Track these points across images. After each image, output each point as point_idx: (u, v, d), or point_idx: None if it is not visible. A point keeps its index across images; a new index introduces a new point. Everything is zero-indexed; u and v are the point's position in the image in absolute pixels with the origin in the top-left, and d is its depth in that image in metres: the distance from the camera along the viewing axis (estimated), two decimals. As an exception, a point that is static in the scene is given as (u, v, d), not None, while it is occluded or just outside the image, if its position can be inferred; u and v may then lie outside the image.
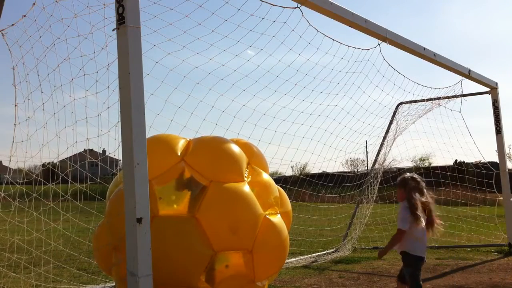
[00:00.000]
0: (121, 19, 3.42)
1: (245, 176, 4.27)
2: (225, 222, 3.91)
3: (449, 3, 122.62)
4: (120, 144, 4.33)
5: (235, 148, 4.32)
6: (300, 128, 6.80)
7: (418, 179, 4.74)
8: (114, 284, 6.26)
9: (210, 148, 4.33)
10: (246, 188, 4.10)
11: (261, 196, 4.23)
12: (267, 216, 4.24)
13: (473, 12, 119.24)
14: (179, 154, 4.18)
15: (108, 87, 4.60)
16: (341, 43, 6.37)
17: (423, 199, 4.61)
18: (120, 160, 4.93)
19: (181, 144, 4.30)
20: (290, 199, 5.01)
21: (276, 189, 4.62)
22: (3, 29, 5.77)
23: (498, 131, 9.49)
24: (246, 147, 4.58)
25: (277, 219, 4.38)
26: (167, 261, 3.72)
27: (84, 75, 5.10)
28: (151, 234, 3.63)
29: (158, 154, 4.12)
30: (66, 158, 6.26)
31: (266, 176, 4.51)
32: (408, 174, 4.77)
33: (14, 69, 5.85)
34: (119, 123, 3.61)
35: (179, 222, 3.89)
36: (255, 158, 4.55)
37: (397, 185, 4.73)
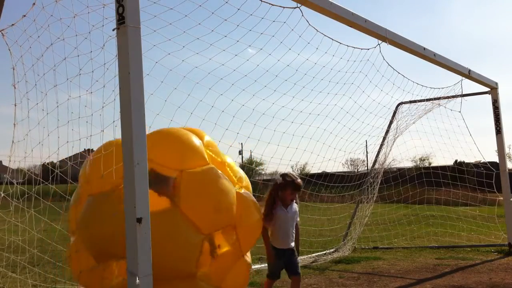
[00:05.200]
0: (121, 19, 3.42)
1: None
2: (208, 204, 4.03)
3: (450, 3, 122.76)
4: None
5: (191, 135, 4.41)
6: (300, 128, 6.80)
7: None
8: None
9: (168, 140, 4.37)
10: (214, 169, 4.22)
11: (226, 175, 4.39)
12: (238, 191, 4.41)
13: (473, 12, 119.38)
14: None
15: (104, 86, 4.60)
16: (340, 43, 6.38)
17: None
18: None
19: None
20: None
21: (239, 169, 4.77)
22: (3, 29, 5.77)
23: (498, 131, 9.49)
24: (197, 132, 4.64)
25: (245, 191, 4.56)
26: (162, 256, 3.75)
27: (80, 74, 5.10)
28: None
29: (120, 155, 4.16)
30: (66, 158, 6.25)
31: (227, 158, 4.65)
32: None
33: (13, 69, 5.85)
34: (115, 122, 3.61)
35: (165, 216, 3.93)
36: (207, 142, 4.63)
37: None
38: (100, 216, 3.97)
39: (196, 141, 4.35)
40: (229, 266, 4.28)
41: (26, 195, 6.01)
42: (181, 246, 3.86)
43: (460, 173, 11.05)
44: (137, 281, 3.16)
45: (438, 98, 9.33)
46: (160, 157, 4.12)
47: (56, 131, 5.43)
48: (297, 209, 5.01)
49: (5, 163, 6.82)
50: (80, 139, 5.11)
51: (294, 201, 4.95)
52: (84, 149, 5.77)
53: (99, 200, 4.06)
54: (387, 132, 9.99)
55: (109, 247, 3.88)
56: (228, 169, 4.55)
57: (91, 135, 4.89)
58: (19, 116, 5.85)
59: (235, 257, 4.31)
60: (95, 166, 4.23)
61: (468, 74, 8.73)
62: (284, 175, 4.85)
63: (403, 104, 9.86)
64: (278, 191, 4.84)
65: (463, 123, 9.40)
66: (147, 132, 3.50)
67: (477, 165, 11.89)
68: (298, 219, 5.06)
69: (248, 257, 4.62)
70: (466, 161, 13.87)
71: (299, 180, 4.85)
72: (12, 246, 6.15)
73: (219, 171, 4.26)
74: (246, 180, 4.79)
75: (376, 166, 10.26)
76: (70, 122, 5.17)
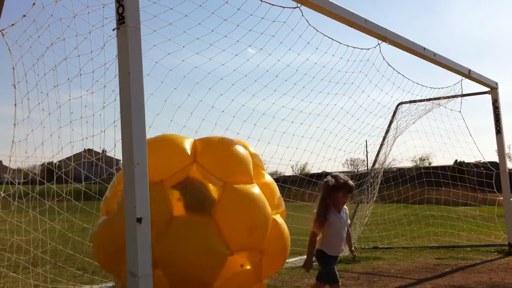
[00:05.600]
0: (121, 19, 3.42)
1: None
2: (242, 223, 3.98)
3: (450, 3, 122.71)
4: (117, 143, 4.35)
5: (242, 150, 4.35)
6: (300, 128, 6.80)
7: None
8: (112, 284, 6.26)
9: (220, 150, 4.34)
10: (257, 189, 4.16)
11: (267, 198, 4.30)
12: (273, 217, 4.32)
13: (473, 12, 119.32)
14: (189, 154, 4.18)
15: (105, 86, 4.61)
16: (340, 43, 6.38)
17: None
18: (119, 160, 4.93)
19: (189, 145, 4.29)
20: (290, 198, 5.06)
21: (278, 190, 4.67)
22: (3, 29, 5.77)
23: (498, 131, 9.49)
24: (247, 148, 4.59)
25: (280, 219, 4.47)
26: (185, 261, 3.76)
27: (81, 74, 5.12)
28: (170, 235, 3.70)
29: (169, 154, 4.14)
30: (66, 158, 6.25)
31: (268, 178, 4.58)
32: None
33: (14, 69, 5.86)
34: (115, 122, 3.61)
35: (198, 223, 3.91)
36: (255, 158, 4.57)
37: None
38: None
39: (245, 156, 4.29)
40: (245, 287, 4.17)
41: (30, 195, 6.00)
42: (207, 255, 3.82)
43: (460, 173, 11.05)
44: (137, 281, 3.16)
45: (438, 98, 9.32)
46: (208, 164, 4.10)
47: (57, 131, 5.45)
48: (347, 212, 4.64)
49: (5, 163, 6.82)
50: (82, 139, 5.13)
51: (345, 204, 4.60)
52: (84, 149, 5.78)
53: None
54: (387, 132, 9.99)
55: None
56: (269, 191, 4.46)
57: (93, 136, 4.91)
58: (19, 116, 5.86)
59: (253, 280, 4.19)
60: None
61: (468, 74, 8.73)
62: (336, 177, 4.48)
63: (403, 104, 9.87)
64: (330, 193, 4.44)
65: (463, 123, 9.41)
66: (148, 136, 3.50)
67: (477, 165, 11.88)
68: (349, 221, 4.74)
69: (265, 283, 4.49)
70: (466, 161, 13.87)
71: (351, 182, 4.52)
72: (14, 246, 6.14)
73: (260, 192, 4.17)
74: (283, 205, 4.69)
75: (376, 166, 10.26)
76: (71, 122, 5.18)
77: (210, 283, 3.87)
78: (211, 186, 4.10)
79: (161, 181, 3.93)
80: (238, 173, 4.17)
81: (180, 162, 4.11)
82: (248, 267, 4.14)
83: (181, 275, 3.74)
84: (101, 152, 6.27)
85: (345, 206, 4.60)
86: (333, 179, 4.44)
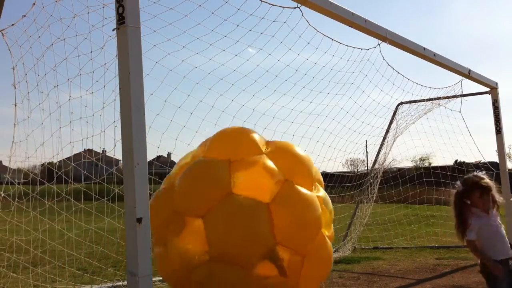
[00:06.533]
0: (121, 19, 3.42)
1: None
2: (293, 219, 3.98)
3: (450, 3, 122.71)
4: (117, 143, 4.36)
5: (309, 159, 4.51)
6: (300, 128, 6.80)
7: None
8: (112, 284, 6.26)
9: (290, 153, 4.45)
10: (315, 197, 4.21)
11: (323, 210, 4.34)
12: (322, 230, 4.33)
13: (473, 12, 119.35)
14: (260, 147, 4.30)
15: (105, 86, 4.61)
16: (340, 43, 6.37)
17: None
18: (120, 160, 4.93)
19: (262, 141, 4.42)
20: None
21: (331, 205, 4.66)
22: (3, 29, 5.77)
23: (498, 131, 9.48)
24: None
25: (328, 238, 4.45)
26: (229, 237, 3.79)
27: (81, 74, 5.12)
28: (221, 209, 3.78)
29: (240, 142, 4.29)
30: (66, 158, 6.25)
31: (322, 193, 4.56)
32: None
33: (14, 69, 5.86)
34: (115, 122, 3.61)
35: (252, 204, 3.93)
36: (317, 174, 4.66)
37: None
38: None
39: (310, 164, 4.46)
40: None
41: (30, 196, 6.00)
42: (252, 236, 3.83)
43: (460, 173, 11.02)
44: (137, 281, 3.16)
45: (438, 98, 9.32)
46: (275, 160, 4.18)
47: (57, 131, 5.45)
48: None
49: (5, 163, 6.82)
50: (82, 140, 5.13)
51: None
52: (84, 149, 5.79)
53: None
54: (387, 132, 9.99)
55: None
56: (323, 205, 4.46)
57: (93, 136, 4.91)
58: (19, 116, 5.86)
59: (289, 284, 4.09)
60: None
61: (468, 74, 8.72)
62: (464, 180, 4.19)
63: (403, 104, 9.86)
64: (463, 201, 4.14)
65: (463, 123, 9.41)
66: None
67: (477, 165, 11.87)
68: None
69: None
70: (466, 161, 13.84)
71: (485, 179, 4.13)
72: (14, 246, 6.14)
73: (316, 199, 4.24)
74: (332, 228, 4.70)
75: (376, 166, 10.26)
76: (70, 122, 5.19)
77: (248, 266, 3.85)
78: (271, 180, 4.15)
79: (228, 160, 4.04)
80: (300, 176, 4.25)
81: (249, 151, 4.22)
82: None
83: (222, 249, 3.77)
84: (101, 152, 6.28)
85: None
86: (460, 184, 4.15)
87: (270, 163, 4.16)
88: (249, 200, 3.95)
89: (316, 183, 4.55)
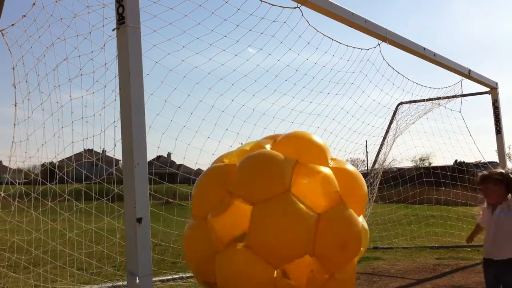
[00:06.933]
0: (121, 19, 3.42)
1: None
2: (338, 237, 3.89)
3: (450, 3, 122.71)
4: (117, 143, 4.36)
5: (366, 187, 4.39)
6: (300, 128, 6.80)
7: None
8: (112, 284, 6.26)
9: (351, 174, 4.33)
10: (363, 223, 4.11)
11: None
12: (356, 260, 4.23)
13: (473, 12, 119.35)
14: (329, 162, 4.24)
15: (105, 86, 4.62)
16: (340, 43, 6.38)
17: None
18: (119, 160, 4.94)
19: (329, 152, 4.32)
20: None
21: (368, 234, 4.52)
22: (3, 29, 5.78)
23: (498, 131, 9.49)
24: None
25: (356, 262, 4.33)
26: (272, 232, 3.70)
27: (81, 74, 5.12)
28: (277, 202, 3.70)
29: (311, 148, 4.22)
30: (66, 158, 6.26)
31: (366, 225, 4.39)
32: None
33: (14, 69, 5.86)
34: (115, 122, 3.61)
35: (305, 208, 3.84)
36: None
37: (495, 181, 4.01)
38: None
39: (365, 187, 4.35)
40: None
41: (32, 196, 6.01)
42: (292, 240, 3.71)
43: (460, 173, 11.04)
44: (137, 281, 3.16)
45: (438, 98, 9.33)
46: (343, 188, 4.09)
47: (58, 131, 5.45)
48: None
49: (5, 163, 6.83)
50: (83, 140, 5.13)
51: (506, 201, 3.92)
52: (84, 149, 5.79)
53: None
54: (387, 132, 9.99)
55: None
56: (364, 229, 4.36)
57: (93, 136, 4.91)
58: (20, 116, 5.86)
59: None
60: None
61: (468, 74, 8.73)
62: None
63: (403, 104, 9.86)
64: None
65: (463, 123, 9.40)
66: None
67: (477, 165, 11.88)
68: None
69: None
70: (466, 161, 13.85)
71: (480, 173, 4.12)
72: (15, 246, 6.15)
73: (363, 231, 4.14)
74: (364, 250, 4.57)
75: (376, 166, 10.26)
76: (72, 122, 5.19)
77: (276, 265, 3.73)
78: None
79: (295, 159, 3.96)
80: (354, 199, 4.16)
81: (318, 161, 4.16)
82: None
83: (261, 240, 3.67)
84: (101, 152, 6.28)
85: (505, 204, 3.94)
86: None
87: (333, 178, 4.11)
88: (303, 204, 3.95)
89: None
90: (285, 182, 3.87)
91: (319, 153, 4.24)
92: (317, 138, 4.46)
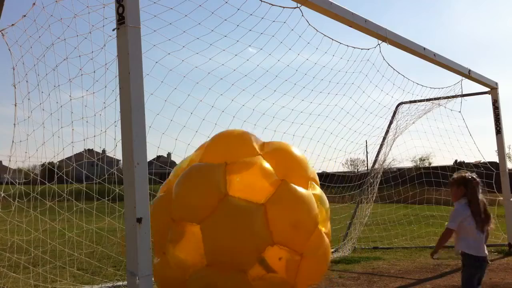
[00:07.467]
0: (121, 19, 3.42)
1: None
2: (289, 218, 4.02)
3: (450, 3, 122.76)
4: (117, 143, 4.36)
5: (305, 159, 4.55)
6: (300, 128, 6.80)
7: (478, 180, 4.55)
8: (112, 284, 6.26)
9: (285, 152, 4.48)
10: (311, 196, 4.24)
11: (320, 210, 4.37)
12: (319, 227, 4.34)
13: (473, 12, 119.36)
14: (256, 149, 4.35)
15: (105, 86, 4.61)
16: (340, 43, 6.38)
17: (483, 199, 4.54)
18: (119, 160, 4.94)
19: (257, 142, 4.47)
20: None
21: (327, 204, 4.71)
22: (3, 29, 5.77)
23: (498, 131, 9.49)
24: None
25: (326, 232, 4.48)
26: (226, 239, 3.81)
27: (82, 74, 5.12)
28: (218, 212, 3.80)
29: (236, 144, 4.35)
30: (66, 158, 6.26)
31: (318, 191, 4.60)
32: (468, 173, 4.58)
33: (14, 69, 5.86)
34: (115, 122, 3.61)
35: (248, 205, 3.96)
36: (313, 174, 4.69)
37: (454, 183, 4.60)
38: None
39: (306, 164, 4.53)
40: None
41: (31, 195, 6.00)
42: (249, 237, 3.86)
43: (460, 173, 11.01)
44: (137, 281, 3.16)
45: (438, 98, 9.32)
46: (271, 161, 4.23)
47: (58, 131, 5.45)
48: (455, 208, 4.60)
49: (5, 163, 6.82)
50: (84, 140, 5.13)
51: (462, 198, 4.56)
52: (85, 149, 5.79)
53: None
54: (387, 132, 9.98)
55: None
56: (319, 202, 4.51)
57: (94, 136, 4.91)
58: (20, 116, 5.86)
59: (287, 283, 4.11)
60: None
61: (468, 74, 8.73)
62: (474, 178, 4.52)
63: (403, 104, 9.86)
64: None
65: (463, 123, 9.41)
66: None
67: (477, 165, 11.88)
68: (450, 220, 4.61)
69: None
70: (466, 161, 13.85)
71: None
72: (15, 246, 6.14)
73: (312, 197, 4.28)
74: (329, 225, 4.74)
75: (376, 166, 10.25)
76: (72, 122, 5.19)
77: (245, 268, 3.86)
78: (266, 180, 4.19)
79: (223, 162, 4.06)
80: (295, 175, 4.28)
81: (246, 153, 4.26)
82: (282, 274, 4.09)
83: (219, 254, 3.79)
84: (101, 152, 6.28)
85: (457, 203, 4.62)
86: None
87: (265, 164, 4.16)
88: (244, 201, 3.97)
89: (312, 182, 4.56)
90: (221, 190, 3.94)
91: (246, 146, 4.33)
92: (237, 132, 4.55)
